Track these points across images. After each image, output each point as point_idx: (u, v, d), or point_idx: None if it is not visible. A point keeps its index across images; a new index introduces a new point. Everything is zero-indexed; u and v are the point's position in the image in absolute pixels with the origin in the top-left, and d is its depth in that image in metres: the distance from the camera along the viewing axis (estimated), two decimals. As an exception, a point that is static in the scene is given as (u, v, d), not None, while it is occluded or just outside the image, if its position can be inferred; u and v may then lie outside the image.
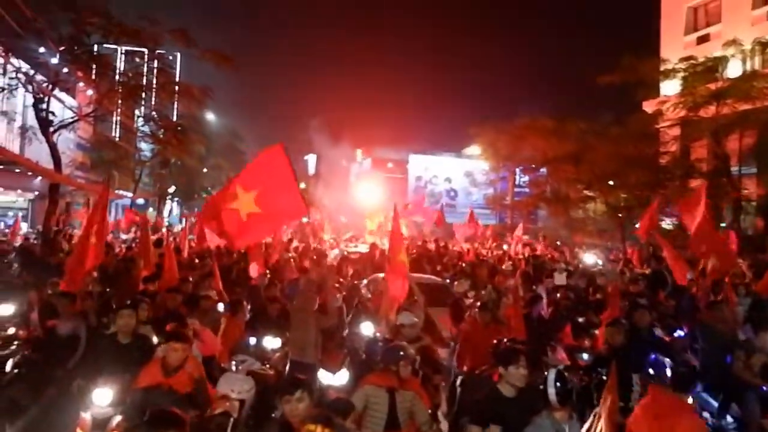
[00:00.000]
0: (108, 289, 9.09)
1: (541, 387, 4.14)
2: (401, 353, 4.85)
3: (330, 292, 7.41)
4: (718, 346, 6.88)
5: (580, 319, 9.15)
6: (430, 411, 5.89)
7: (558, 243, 31.86)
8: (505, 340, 5.99)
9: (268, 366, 6.85)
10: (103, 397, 5.25)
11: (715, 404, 6.57)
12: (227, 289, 9.60)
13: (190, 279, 9.07)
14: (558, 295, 9.94)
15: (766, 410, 6.15)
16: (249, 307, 8.83)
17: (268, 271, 11.02)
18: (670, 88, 23.72)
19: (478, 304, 7.80)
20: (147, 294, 8.47)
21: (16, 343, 7.08)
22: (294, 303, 7.39)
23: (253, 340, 7.38)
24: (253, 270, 9.82)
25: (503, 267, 16.00)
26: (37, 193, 29.36)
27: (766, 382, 6.28)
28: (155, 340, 6.40)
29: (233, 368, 6.38)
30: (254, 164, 7.62)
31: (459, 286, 10.49)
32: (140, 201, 43.44)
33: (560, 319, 8.63)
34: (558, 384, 4.06)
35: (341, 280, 11.62)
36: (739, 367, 6.53)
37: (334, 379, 6.46)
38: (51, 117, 17.61)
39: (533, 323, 8.11)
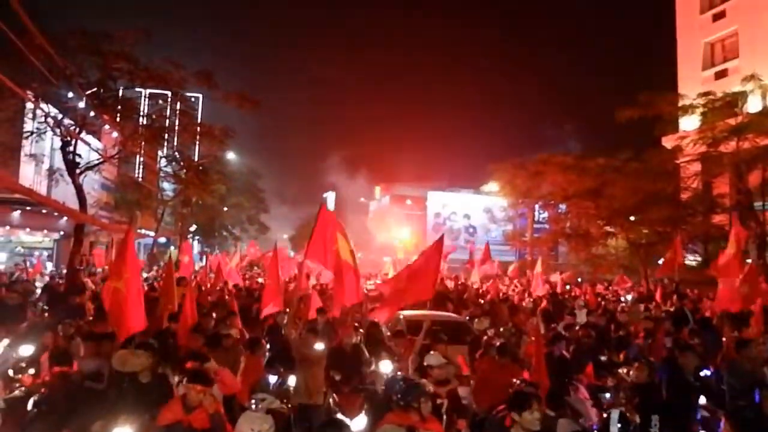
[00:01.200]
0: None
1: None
2: (422, 389, 4.79)
3: (345, 331, 7.43)
4: (746, 384, 6.71)
5: (603, 358, 9.02)
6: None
7: (579, 280, 31.58)
8: (520, 382, 5.90)
9: (288, 405, 6.82)
10: (123, 435, 5.26)
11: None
12: (248, 327, 9.64)
13: (213, 315, 9.11)
14: (579, 333, 9.79)
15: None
16: (269, 345, 8.86)
17: (287, 309, 11.01)
18: (689, 123, 23.71)
19: (497, 343, 7.71)
20: (170, 332, 8.60)
21: (19, 387, 6.99)
22: (299, 345, 7.42)
23: (273, 379, 7.38)
24: (268, 309, 9.78)
25: (523, 304, 15.89)
26: (62, 233, 29.96)
27: None
28: (175, 379, 6.47)
29: (253, 406, 6.37)
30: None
31: (479, 323, 10.39)
32: (162, 240, 43.94)
33: (582, 357, 8.51)
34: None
35: (360, 319, 11.57)
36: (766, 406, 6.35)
37: (351, 424, 6.38)
38: (77, 159, 18.11)
39: (554, 362, 8.01)
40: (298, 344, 7.37)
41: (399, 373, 6.93)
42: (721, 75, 28.80)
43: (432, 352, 6.56)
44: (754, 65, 23.58)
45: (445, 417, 5.85)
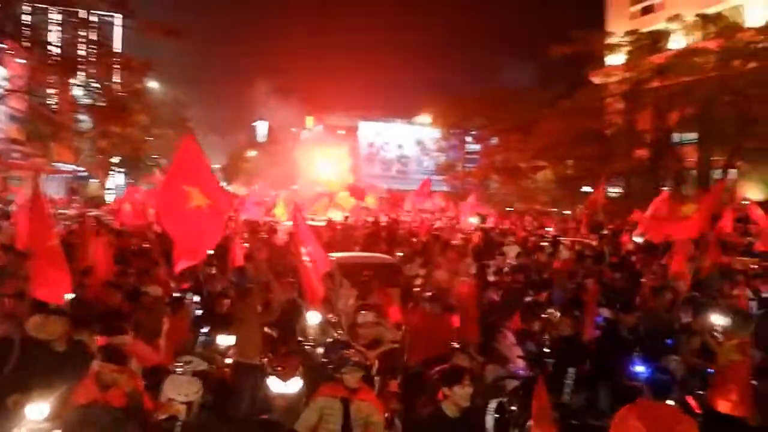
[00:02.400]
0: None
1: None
2: (346, 360, 4.77)
3: (278, 286, 7.24)
4: (660, 331, 7.06)
5: (527, 299, 9.24)
6: (387, 416, 5.87)
7: (508, 209, 32.48)
8: (453, 344, 5.94)
9: (215, 367, 6.65)
10: (38, 411, 4.98)
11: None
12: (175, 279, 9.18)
13: (131, 271, 8.60)
14: (508, 278, 10.02)
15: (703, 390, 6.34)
16: (198, 299, 8.55)
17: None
18: (616, 60, 24.12)
19: (427, 295, 7.74)
20: (85, 288, 8.10)
21: None
22: (236, 297, 7.21)
23: (204, 339, 7.19)
24: (183, 263, 8.66)
25: (454, 241, 16.07)
26: (-33, 168, 27.84)
27: (709, 364, 6.43)
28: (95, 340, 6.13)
29: (178, 370, 6.16)
30: (179, 160, 7.24)
31: (409, 270, 10.45)
32: (82, 173, 41.75)
33: (510, 303, 8.72)
34: (497, 415, 4.08)
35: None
36: (684, 351, 6.66)
37: (285, 387, 6.29)
38: (-22, 91, 16.57)
39: (484, 308, 8.19)
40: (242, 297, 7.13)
41: (336, 334, 6.88)
42: (647, 11, 29.16)
43: (363, 312, 6.48)
44: (678, 1, 23.99)
45: (377, 379, 5.86)
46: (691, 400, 5.42)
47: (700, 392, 5.79)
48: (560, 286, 9.93)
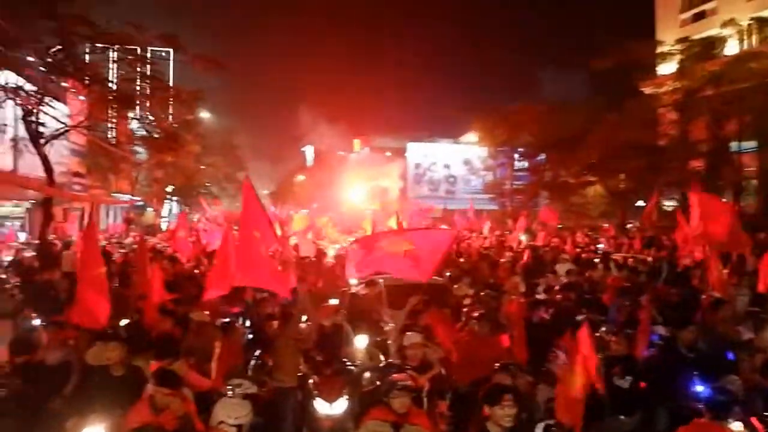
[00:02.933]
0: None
1: None
2: (394, 385, 4.71)
3: (314, 311, 7.24)
4: (720, 348, 6.74)
5: (579, 318, 9.00)
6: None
7: (559, 226, 31.79)
8: (499, 364, 5.81)
9: (265, 390, 6.72)
10: (94, 433, 5.13)
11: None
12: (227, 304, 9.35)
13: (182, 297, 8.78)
14: (559, 296, 9.79)
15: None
16: (249, 324, 8.69)
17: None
18: (668, 69, 23.53)
19: (475, 314, 7.64)
20: (141, 314, 8.34)
21: None
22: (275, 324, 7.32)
23: (255, 362, 7.29)
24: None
25: (502, 260, 15.84)
26: (34, 201, 29.21)
27: None
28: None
29: (228, 393, 6.25)
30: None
31: (458, 289, 10.35)
32: (139, 203, 43.33)
33: (561, 322, 8.49)
34: None
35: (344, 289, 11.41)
36: (744, 369, 6.37)
37: (331, 408, 6.30)
38: (42, 128, 17.45)
39: (533, 329, 8.00)
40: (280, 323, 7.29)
41: (382, 357, 6.85)
42: (699, 17, 28.43)
43: (409, 333, 6.44)
44: (731, 6, 23.29)
45: (426, 401, 5.79)
46: (755, 422, 5.12)
47: (766, 413, 5.48)
48: (614, 304, 9.65)
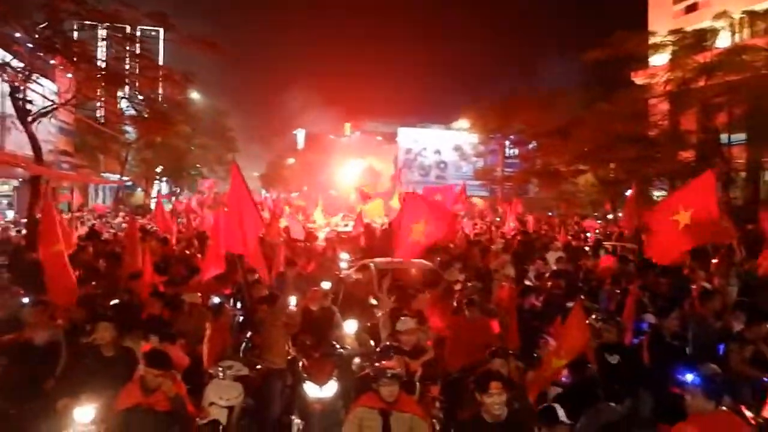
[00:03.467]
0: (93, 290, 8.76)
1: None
2: (382, 373, 4.69)
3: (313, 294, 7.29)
4: (710, 337, 6.82)
5: (570, 304, 9.06)
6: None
7: (550, 213, 31.94)
8: (491, 348, 5.83)
9: (256, 372, 6.70)
10: (85, 414, 5.10)
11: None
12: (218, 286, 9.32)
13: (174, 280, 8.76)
14: (549, 283, 9.85)
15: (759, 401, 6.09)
16: (240, 306, 8.67)
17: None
18: (660, 60, 23.54)
19: (465, 301, 7.65)
20: (131, 294, 8.32)
21: None
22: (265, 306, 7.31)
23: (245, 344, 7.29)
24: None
25: (493, 247, 15.90)
26: (21, 179, 28.90)
27: (763, 373, 6.18)
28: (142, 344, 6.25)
29: (220, 375, 6.25)
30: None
31: (449, 274, 10.36)
32: (128, 183, 43.01)
33: (551, 309, 8.54)
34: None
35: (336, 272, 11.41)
36: (735, 360, 6.40)
37: (320, 391, 6.30)
38: (29, 105, 17.16)
39: (525, 315, 8.05)
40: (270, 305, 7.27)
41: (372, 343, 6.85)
42: (691, 9, 28.43)
43: (403, 318, 6.44)
44: (724, -1, 23.29)
45: (418, 385, 5.81)
46: (745, 410, 5.20)
47: (752, 402, 5.56)
48: (604, 291, 9.72)
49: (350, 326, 7.71)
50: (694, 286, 9.44)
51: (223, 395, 6.08)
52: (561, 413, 3.87)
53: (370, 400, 4.65)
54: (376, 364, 5.12)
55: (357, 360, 6.99)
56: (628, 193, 22.82)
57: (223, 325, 6.84)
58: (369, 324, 8.25)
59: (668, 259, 9.07)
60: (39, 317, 6.49)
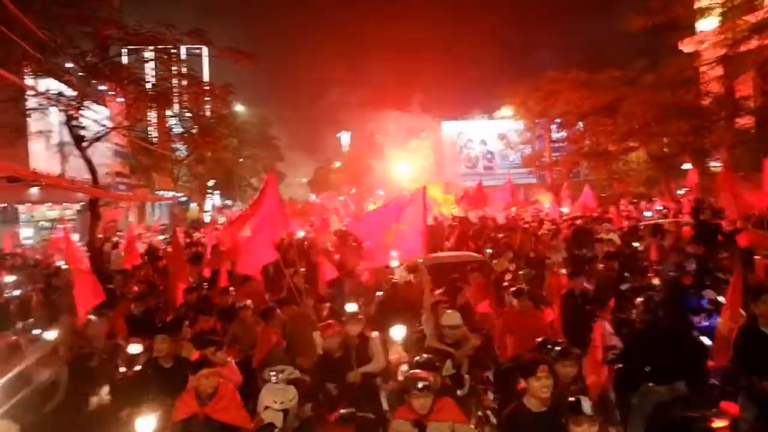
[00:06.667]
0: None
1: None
2: (414, 383, 4.49)
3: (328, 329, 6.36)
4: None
5: (624, 287, 8.79)
6: (480, 414, 5.70)
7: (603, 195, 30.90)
8: (542, 339, 5.70)
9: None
10: (146, 425, 5.29)
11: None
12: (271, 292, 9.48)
13: (231, 289, 8.96)
14: (601, 266, 9.59)
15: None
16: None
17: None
18: (707, 25, 22.51)
19: (512, 290, 7.52)
20: (191, 306, 8.59)
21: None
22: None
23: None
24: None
25: (542, 233, 15.58)
26: (82, 204, 30.25)
27: None
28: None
29: (273, 379, 6.36)
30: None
31: (498, 265, 10.24)
32: (182, 198, 44.30)
33: (604, 292, 8.33)
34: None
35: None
36: None
37: None
38: (83, 131, 17.97)
39: (576, 300, 7.88)
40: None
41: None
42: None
43: (448, 311, 6.37)
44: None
45: (467, 377, 5.75)
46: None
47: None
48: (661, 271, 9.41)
49: (398, 333, 7.33)
50: (757, 257, 8.98)
51: (277, 399, 6.16)
52: (586, 406, 3.70)
53: (404, 412, 4.53)
54: (408, 374, 4.90)
55: (404, 368, 6.61)
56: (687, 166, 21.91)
57: (273, 329, 6.97)
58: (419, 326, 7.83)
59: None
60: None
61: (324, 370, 6.05)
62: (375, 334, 6.67)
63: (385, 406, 6.00)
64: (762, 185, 11.15)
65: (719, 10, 20.95)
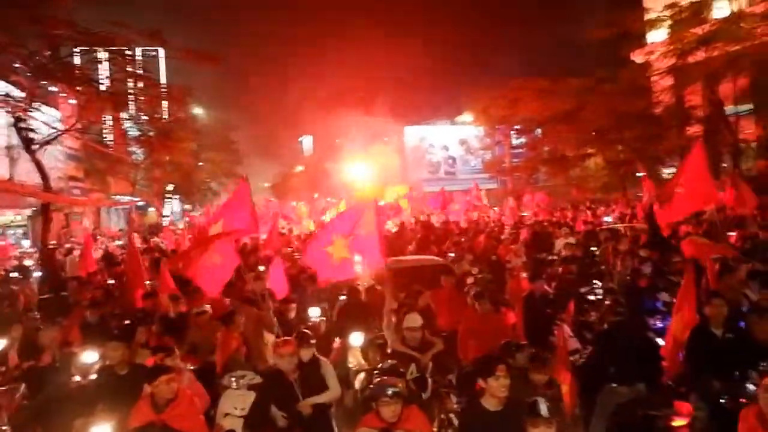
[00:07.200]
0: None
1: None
2: (388, 390, 4.35)
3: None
4: (731, 314, 6.62)
5: (582, 290, 8.96)
6: (443, 417, 5.70)
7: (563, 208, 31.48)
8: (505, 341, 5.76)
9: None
10: (101, 433, 5.14)
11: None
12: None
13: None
14: (560, 270, 9.77)
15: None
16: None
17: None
18: (658, 36, 23.33)
19: (472, 293, 7.58)
20: (147, 312, 8.37)
21: None
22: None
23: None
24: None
25: (503, 236, 15.81)
26: (34, 209, 29.23)
27: None
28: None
29: (233, 385, 6.24)
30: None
31: (459, 267, 10.31)
32: (140, 203, 43.29)
33: (564, 295, 8.48)
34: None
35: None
36: (757, 332, 6.15)
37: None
38: (32, 135, 17.33)
39: (537, 302, 7.99)
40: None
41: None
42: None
43: (409, 315, 6.38)
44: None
45: (430, 381, 5.76)
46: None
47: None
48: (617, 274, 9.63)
49: (356, 339, 7.31)
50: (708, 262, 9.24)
51: (237, 405, 6.05)
52: (543, 408, 3.73)
53: (371, 420, 4.40)
54: (376, 381, 4.78)
55: (361, 376, 6.65)
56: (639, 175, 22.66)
57: (233, 333, 6.84)
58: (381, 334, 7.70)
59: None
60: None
61: (271, 389, 5.66)
62: (325, 360, 6.08)
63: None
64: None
65: (668, 22, 21.76)
